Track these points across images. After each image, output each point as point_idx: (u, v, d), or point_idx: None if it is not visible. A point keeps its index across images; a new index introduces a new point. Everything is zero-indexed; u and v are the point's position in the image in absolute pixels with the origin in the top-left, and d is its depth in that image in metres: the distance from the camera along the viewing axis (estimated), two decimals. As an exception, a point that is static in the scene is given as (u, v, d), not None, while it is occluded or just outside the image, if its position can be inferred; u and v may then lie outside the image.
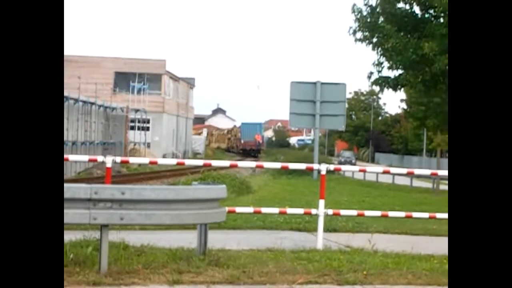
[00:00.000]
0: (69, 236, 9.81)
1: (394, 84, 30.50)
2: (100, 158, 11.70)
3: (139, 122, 58.78)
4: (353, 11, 29.80)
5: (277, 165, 15.39)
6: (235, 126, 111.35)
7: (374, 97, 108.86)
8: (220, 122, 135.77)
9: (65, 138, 39.78)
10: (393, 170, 26.02)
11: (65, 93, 40.11)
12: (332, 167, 12.68)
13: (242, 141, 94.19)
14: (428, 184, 38.22)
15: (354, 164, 73.63)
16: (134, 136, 57.81)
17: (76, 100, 42.18)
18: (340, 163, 70.82)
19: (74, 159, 16.26)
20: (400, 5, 29.73)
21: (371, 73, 30.85)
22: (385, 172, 19.27)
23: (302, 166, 14.57)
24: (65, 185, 8.42)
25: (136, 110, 56.91)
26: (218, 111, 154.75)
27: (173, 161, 13.43)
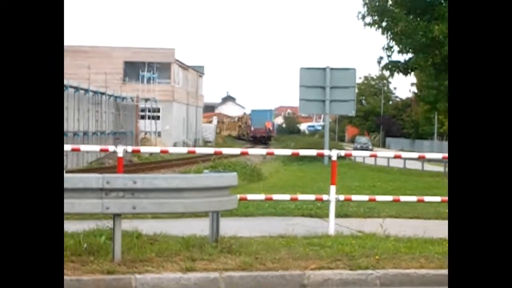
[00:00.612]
0: (82, 226, 9.90)
1: (404, 68, 30.42)
2: (111, 148, 11.74)
3: (149, 111, 58.83)
4: (362, -4, 29.69)
5: (288, 152, 15.40)
6: (245, 113, 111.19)
7: (384, 81, 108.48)
8: (230, 110, 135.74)
9: (76, 129, 39.92)
10: (404, 154, 25.96)
11: (75, 84, 40.25)
12: (342, 152, 12.68)
13: (252, 129, 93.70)
14: (439, 168, 38.13)
15: (371, 151, 68.40)
16: (145, 125, 57.87)
17: (86, 91, 42.26)
18: (356, 149, 66.99)
19: (86, 149, 16.30)
20: (409, -13, 29.58)
21: (381, 57, 30.80)
22: (396, 157, 19.26)
23: (312, 152, 14.58)
24: (77, 175, 8.49)
25: (146, 100, 56.97)
26: (227, 98, 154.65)
27: (184, 150, 13.50)
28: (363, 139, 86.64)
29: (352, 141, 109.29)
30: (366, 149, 73.49)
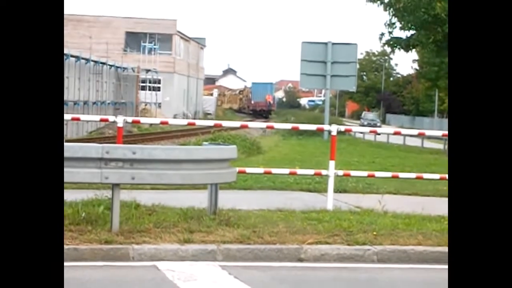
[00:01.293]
0: (81, 195, 9.91)
1: (406, 44, 30.31)
2: (111, 118, 11.74)
3: (150, 82, 58.74)
4: (364, -29, 29.50)
5: (288, 126, 15.39)
6: (246, 86, 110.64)
7: (386, 57, 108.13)
8: (230, 83, 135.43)
9: (76, 98, 39.87)
10: (404, 131, 25.99)
11: (77, 53, 40.13)
12: (342, 128, 12.67)
13: (252, 102, 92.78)
14: (439, 145, 38.14)
15: (380, 127, 61.63)
16: (145, 96, 57.83)
17: (87, 60, 42.17)
18: (363, 126, 58.92)
19: (86, 118, 16.37)
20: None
21: (383, 33, 30.66)
22: (396, 133, 19.24)
23: (312, 127, 14.57)
24: (77, 144, 8.49)
25: (147, 70, 56.85)
26: (228, 71, 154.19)
27: (184, 122, 13.47)
28: (370, 115, 79.15)
29: (353, 116, 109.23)
30: (374, 126, 63.91)
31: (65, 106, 36.92)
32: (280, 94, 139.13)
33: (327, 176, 11.51)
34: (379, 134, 38.94)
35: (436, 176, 12.88)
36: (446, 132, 15.83)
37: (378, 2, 29.47)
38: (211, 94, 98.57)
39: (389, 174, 13.36)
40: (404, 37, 30.59)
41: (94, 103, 43.54)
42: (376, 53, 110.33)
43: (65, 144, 8.04)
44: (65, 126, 36.08)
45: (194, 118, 67.28)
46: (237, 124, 14.65)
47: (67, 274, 7.33)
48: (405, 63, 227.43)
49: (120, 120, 10.86)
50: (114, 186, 8.62)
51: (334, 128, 11.56)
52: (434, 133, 23.09)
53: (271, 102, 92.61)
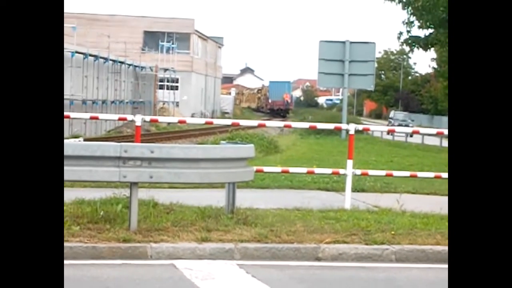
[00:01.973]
0: (99, 194, 9.95)
1: (424, 43, 30.19)
2: (129, 117, 11.80)
3: (168, 81, 58.86)
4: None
5: (305, 125, 15.39)
6: (263, 85, 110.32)
7: (404, 56, 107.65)
8: (248, 82, 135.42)
9: (95, 97, 40.03)
10: (422, 130, 25.86)
11: (95, 52, 40.29)
12: (360, 127, 12.63)
13: (270, 101, 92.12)
14: (457, 145, 37.84)
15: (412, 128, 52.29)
16: (163, 95, 57.94)
17: (106, 59, 42.33)
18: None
19: (104, 117, 16.43)
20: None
21: (401, 32, 30.56)
22: (414, 133, 19.16)
23: (330, 126, 14.54)
24: (95, 143, 8.53)
25: (165, 69, 56.99)
26: (246, 70, 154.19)
27: (202, 121, 13.50)
28: (401, 115, 68.18)
29: (371, 115, 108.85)
30: (406, 126, 54.72)
31: (83, 105, 37.13)
32: (297, 93, 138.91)
33: (345, 175, 11.49)
34: (411, 135, 37.16)
35: (455, 175, 12.78)
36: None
37: (396, 0, 29.38)
38: (229, 93, 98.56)
39: (407, 174, 13.31)
40: (422, 35, 30.48)
41: (112, 102, 43.70)
42: (395, 51, 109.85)
43: (84, 143, 8.10)
44: (83, 125, 36.27)
45: (212, 117, 67.39)
46: (254, 123, 14.64)
47: (86, 272, 7.39)
48: (423, 61, 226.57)
49: (138, 119, 10.90)
50: (132, 185, 8.65)
51: (352, 127, 11.53)
52: (453, 132, 22.89)
53: (289, 101, 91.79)
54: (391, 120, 64.74)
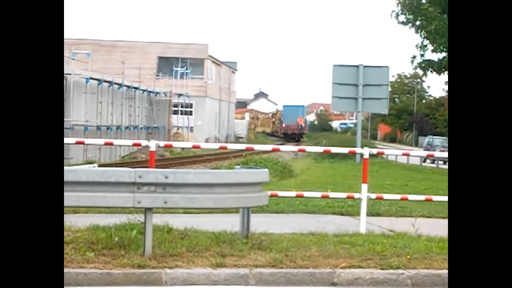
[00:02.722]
0: (114, 219, 9.96)
1: (438, 67, 30.19)
2: (144, 143, 11.83)
3: (182, 106, 59.07)
4: (395, -5, 29.49)
5: (319, 149, 15.36)
6: (277, 109, 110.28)
7: (418, 80, 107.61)
8: (262, 106, 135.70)
9: (109, 123, 40.21)
10: (437, 153, 25.76)
11: (110, 78, 40.54)
12: (375, 151, 12.60)
13: (283, 125, 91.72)
14: (472, 168, 37.67)
15: None
16: (177, 120, 58.13)
17: (120, 85, 42.55)
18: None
19: (119, 143, 16.46)
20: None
21: (414, 56, 30.57)
22: (429, 156, 19.08)
23: (344, 150, 14.52)
24: (110, 169, 8.54)
25: (179, 95, 57.21)
26: (260, 95, 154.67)
27: (216, 145, 13.51)
28: (439, 140, 57.82)
29: (386, 139, 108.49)
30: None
31: (98, 131, 37.28)
32: (311, 117, 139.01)
33: (359, 199, 11.45)
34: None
35: (470, 199, 12.72)
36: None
37: (410, 24, 29.42)
38: (243, 118, 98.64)
39: (422, 197, 13.24)
40: (436, 59, 30.48)
41: (127, 127, 43.87)
42: (408, 75, 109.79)
43: (98, 168, 8.11)
44: (98, 151, 36.40)
45: (226, 142, 67.50)
46: (268, 147, 14.64)
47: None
48: (437, 85, 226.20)
49: (152, 145, 10.93)
50: (147, 210, 8.66)
51: (366, 151, 11.51)
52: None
53: (303, 125, 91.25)
54: (429, 146, 57.25)
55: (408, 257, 9.13)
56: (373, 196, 11.77)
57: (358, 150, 13.08)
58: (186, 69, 61.65)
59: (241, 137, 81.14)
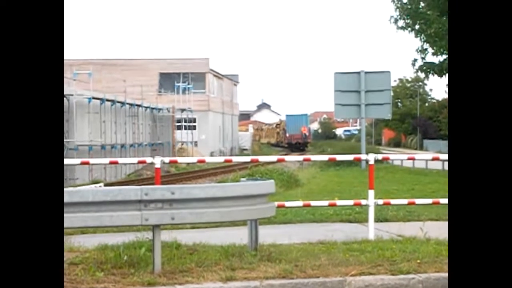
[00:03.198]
0: (122, 238, 9.96)
1: (439, 69, 30.15)
2: (149, 160, 11.84)
3: (185, 121, 59.19)
4: (393, 0, 29.53)
5: (324, 157, 15.37)
6: (281, 120, 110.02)
7: (420, 83, 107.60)
8: (265, 117, 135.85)
9: (114, 141, 40.28)
10: (442, 156, 25.69)
11: (112, 97, 40.64)
12: (380, 156, 12.59)
13: (287, 135, 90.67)
14: (479, 169, 37.63)
15: None
16: (181, 135, 58.24)
17: (123, 103, 42.66)
18: None
19: (124, 161, 16.48)
20: (441, -11, 29.39)
21: (415, 59, 30.57)
22: (434, 159, 19.07)
23: (349, 157, 14.51)
24: (116, 188, 8.54)
25: (182, 110, 57.33)
26: (262, 106, 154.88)
27: (221, 159, 13.52)
28: None
29: (390, 144, 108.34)
30: None
31: (102, 150, 37.34)
32: (315, 126, 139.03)
33: (367, 205, 11.44)
34: None
35: (478, 200, 12.71)
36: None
37: (409, 28, 29.44)
38: (247, 130, 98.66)
39: (429, 201, 13.21)
40: (437, 62, 30.46)
41: (131, 145, 43.93)
42: (410, 79, 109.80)
43: (104, 188, 8.12)
44: (103, 170, 36.44)
45: (231, 154, 67.54)
46: (273, 158, 14.65)
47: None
48: (439, 87, 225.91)
49: (157, 161, 10.94)
50: (155, 227, 8.66)
51: (371, 157, 11.51)
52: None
53: (307, 134, 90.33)
54: None
55: (418, 261, 9.10)
56: (380, 202, 11.76)
57: (363, 156, 13.06)
58: (188, 84, 61.80)
59: (246, 149, 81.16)
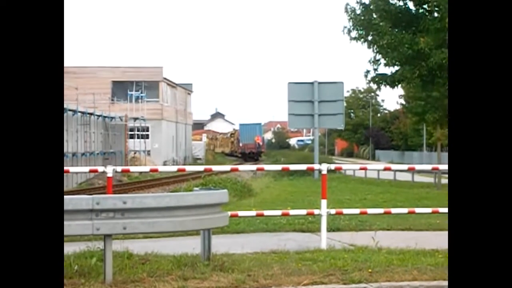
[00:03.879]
0: (73, 248, 9.83)
1: (391, 80, 30.48)
2: (100, 168, 11.73)
3: (138, 130, 58.82)
4: (346, 11, 29.79)
5: (278, 167, 15.40)
6: (234, 129, 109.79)
7: (372, 94, 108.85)
8: (219, 127, 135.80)
9: (65, 150, 39.82)
10: (394, 166, 26.02)
11: (64, 105, 40.24)
12: (333, 166, 12.67)
13: (241, 144, 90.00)
14: (429, 179, 38.19)
15: None
16: (134, 144, 57.84)
17: (75, 111, 42.21)
18: None
19: (75, 170, 16.29)
20: (394, 1, 29.75)
21: (368, 71, 30.85)
22: (386, 169, 19.26)
23: (303, 166, 14.57)
24: (67, 197, 8.43)
25: (135, 119, 56.96)
26: (216, 115, 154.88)
27: (174, 168, 13.47)
28: None
29: (343, 154, 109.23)
30: None
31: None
32: (269, 135, 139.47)
33: (319, 215, 11.49)
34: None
35: (428, 210, 12.89)
36: (436, 166, 15.93)
37: (362, 39, 29.72)
38: (200, 139, 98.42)
39: (381, 210, 13.34)
40: (389, 73, 30.80)
41: (83, 154, 43.49)
42: (362, 90, 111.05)
43: (55, 197, 7.98)
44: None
45: (184, 164, 67.23)
46: (227, 167, 14.66)
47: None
48: (391, 98, 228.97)
49: (109, 170, 10.85)
50: (106, 237, 8.57)
51: (324, 167, 11.57)
52: (424, 167, 23.16)
53: (261, 143, 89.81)
54: None
55: (370, 270, 9.17)
56: (333, 211, 11.83)
57: (316, 166, 13.13)
58: (141, 93, 61.41)
59: (199, 159, 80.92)
